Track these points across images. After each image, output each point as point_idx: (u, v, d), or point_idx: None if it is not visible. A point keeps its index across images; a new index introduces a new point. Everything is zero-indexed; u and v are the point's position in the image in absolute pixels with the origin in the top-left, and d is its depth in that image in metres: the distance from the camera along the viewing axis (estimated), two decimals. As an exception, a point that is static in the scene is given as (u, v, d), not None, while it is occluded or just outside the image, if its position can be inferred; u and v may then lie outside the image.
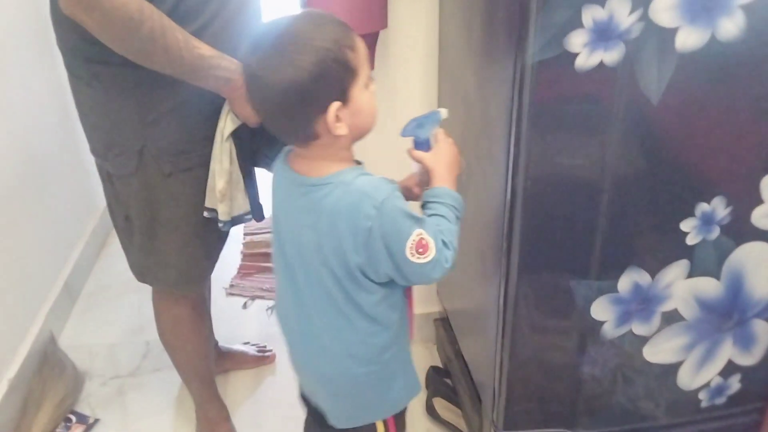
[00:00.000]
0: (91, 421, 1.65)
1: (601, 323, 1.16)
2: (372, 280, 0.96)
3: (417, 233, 0.91)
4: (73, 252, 2.13)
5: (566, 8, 0.90)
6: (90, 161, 2.40)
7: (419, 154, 1.01)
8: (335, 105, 0.87)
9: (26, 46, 1.89)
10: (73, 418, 1.65)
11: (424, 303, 1.78)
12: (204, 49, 1.05)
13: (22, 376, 1.66)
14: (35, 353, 1.73)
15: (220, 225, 1.21)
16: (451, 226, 0.96)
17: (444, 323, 1.72)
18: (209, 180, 1.18)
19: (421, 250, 0.91)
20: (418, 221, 0.92)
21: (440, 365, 1.73)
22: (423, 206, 1.00)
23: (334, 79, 0.87)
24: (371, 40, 1.39)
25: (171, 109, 1.14)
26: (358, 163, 0.98)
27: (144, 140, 1.15)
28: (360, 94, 0.90)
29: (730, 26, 0.94)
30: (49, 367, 1.73)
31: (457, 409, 1.57)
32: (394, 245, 0.91)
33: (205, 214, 1.21)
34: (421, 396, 1.64)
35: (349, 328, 0.99)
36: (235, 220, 1.22)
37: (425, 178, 1.02)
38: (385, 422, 1.12)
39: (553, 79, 0.96)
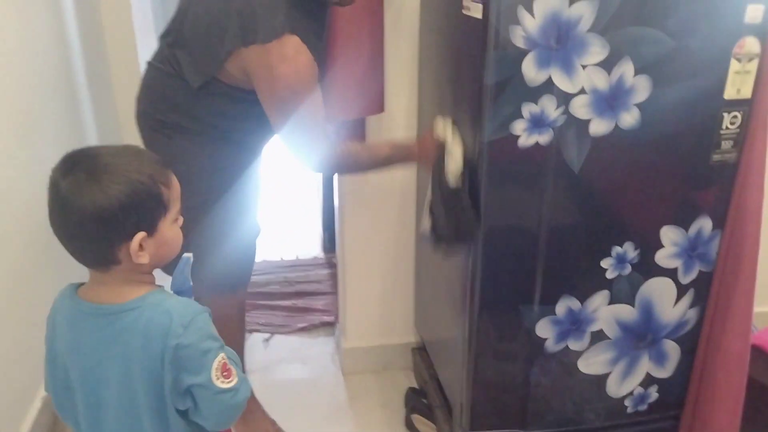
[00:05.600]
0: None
1: (544, 340, 1.46)
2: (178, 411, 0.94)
3: (222, 356, 0.92)
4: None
5: (510, 104, 1.25)
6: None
7: None
8: (140, 235, 0.88)
9: (55, 103, 1.92)
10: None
11: (403, 334, 2.08)
12: (384, 150, 1.52)
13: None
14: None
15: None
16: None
17: (421, 351, 2.00)
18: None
19: (225, 373, 0.92)
20: (222, 346, 0.93)
21: (417, 387, 2.00)
22: None
23: (144, 211, 0.88)
24: (362, 121, 1.69)
25: (228, 162, 1.50)
26: (159, 286, 0.97)
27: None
28: (168, 228, 0.92)
29: (629, 118, 1.29)
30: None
31: (432, 423, 1.84)
32: (198, 365, 0.90)
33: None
34: (400, 413, 1.91)
35: None
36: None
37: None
38: None
39: (503, 153, 1.30)
